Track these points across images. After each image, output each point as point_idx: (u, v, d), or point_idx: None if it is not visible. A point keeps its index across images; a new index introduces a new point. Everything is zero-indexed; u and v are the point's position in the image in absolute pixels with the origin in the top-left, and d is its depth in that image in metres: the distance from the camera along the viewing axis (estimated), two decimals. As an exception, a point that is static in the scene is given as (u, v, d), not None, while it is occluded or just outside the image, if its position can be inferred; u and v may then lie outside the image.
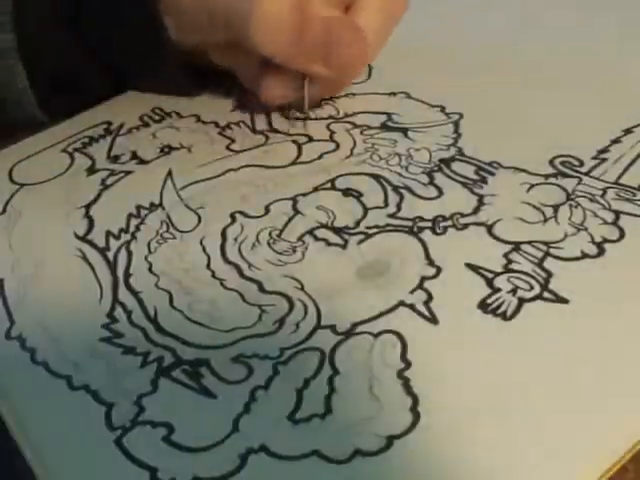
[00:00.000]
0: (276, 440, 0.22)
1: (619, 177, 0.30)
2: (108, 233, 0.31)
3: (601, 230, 0.28)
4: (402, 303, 0.26)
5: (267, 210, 0.31)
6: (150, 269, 0.29)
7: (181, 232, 0.30)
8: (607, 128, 0.33)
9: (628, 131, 0.32)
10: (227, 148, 0.35)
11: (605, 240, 0.28)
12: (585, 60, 0.36)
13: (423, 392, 0.23)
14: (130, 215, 0.31)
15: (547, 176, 0.31)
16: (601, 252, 0.27)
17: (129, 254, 0.29)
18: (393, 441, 0.22)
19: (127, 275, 0.28)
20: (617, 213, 0.29)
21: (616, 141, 0.32)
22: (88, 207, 0.32)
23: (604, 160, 0.31)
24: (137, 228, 0.31)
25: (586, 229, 0.28)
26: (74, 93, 0.36)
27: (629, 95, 0.34)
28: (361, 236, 0.29)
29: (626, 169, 0.31)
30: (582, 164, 0.31)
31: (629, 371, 0.23)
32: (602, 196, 0.29)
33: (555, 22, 0.40)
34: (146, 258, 0.29)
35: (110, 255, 0.29)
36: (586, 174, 0.30)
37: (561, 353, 0.24)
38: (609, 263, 0.27)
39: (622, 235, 0.28)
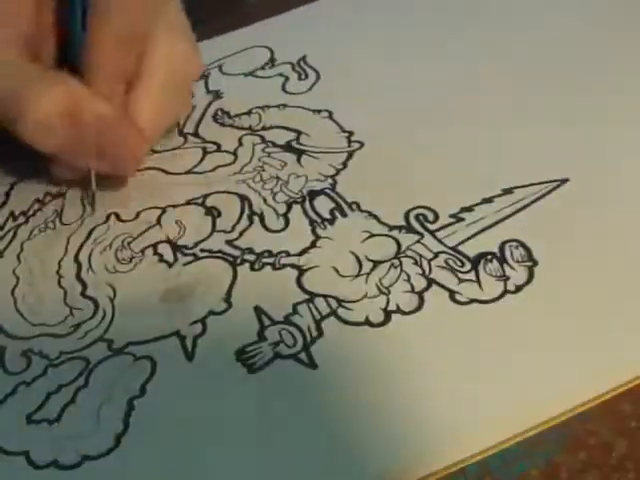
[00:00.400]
0: (7, 434, 0.26)
1: (461, 242, 0.29)
2: (11, 213, 0.35)
3: (401, 298, 0.27)
4: (177, 333, 0.28)
5: (137, 216, 0.33)
6: (19, 254, 0.32)
7: (62, 224, 0.34)
8: (487, 184, 0.30)
9: (507, 191, 0.30)
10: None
11: (398, 310, 0.27)
12: (483, 113, 0.34)
13: (140, 424, 0.25)
14: (36, 200, 0.35)
15: (392, 227, 0.30)
16: (386, 321, 0.27)
17: (14, 236, 0.33)
18: (85, 461, 0.24)
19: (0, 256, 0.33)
20: (430, 282, 0.27)
21: (488, 200, 0.30)
22: (13, 185, 0.36)
23: (460, 220, 0.29)
24: (34, 213, 0.34)
25: (388, 294, 0.27)
26: None
27: (524, 152, 0.31)
28: (191, 258, 0.30)
29: (475, 235, 0.29)
30: (436, 220, 0.30)
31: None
32: (430, 260, 0.28)
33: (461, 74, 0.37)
34: (22, 243, 0.33)
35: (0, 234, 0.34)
36: (431, 232, 0.29)
37: (309, 414, 0.24)
38: (388, 334, 0.26)
39: (419, 307, 0.27)
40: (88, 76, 0.30)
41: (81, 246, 0.32)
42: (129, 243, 0.32)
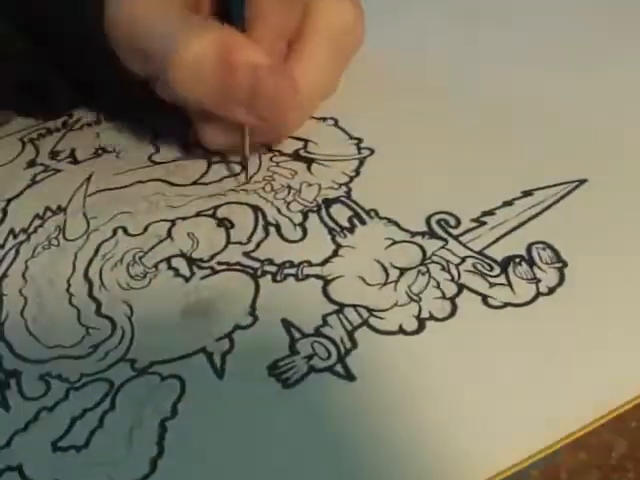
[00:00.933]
0: (33, 462, 0.24)
1: (487, 246, 0.28)
2: (11, 231, 0.33)
3: (433, 305, 0.27)
4: (203, 350, 0.27)
5: (145, 229, 0.32)
6: (24, 273, 0.31)
7: (66, 240, 0.32)
8: (505, 187, 0.30)
9: (527, 193, 0.30)
10: (149, 158, 0.36)
11: (431, 317, 0.26)
12: (497, 113, 0.34)
13: (175, 446, 0.24)
14: (36, 216, 0.34)
15: (414, 234, 0.29)
16: (420, 329, 0.26)
17: (16, 254, 0.32)
18: (124, 487, 0.23)
19: (4, 276, 0.31)
20: (461, 287, 0.27)
21: (508, 203, 0.30)
22: (9, 201, 0.35)
23: (483, 224, 0.29)
24: (35, 230, 0.33)
25: (419, 301, 0.27)
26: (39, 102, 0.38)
27: (539, 154, 0.31)
28: (208, 271, 0.30)
29: (500, 238, 0.29)
30: (458, 225, 0.29)
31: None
32: (457, 265, 0.28)
33: (472, 76, 0.37)
34: (26, 261, 0.32)
35: (1, 253, 0.32)
36: (455, 237, 0.29)
37: (349, 429, 0.24)
38: (424, 342, 0.26)
39: (452, 313, 0.26)
40: (248, 29, 0.29)
41: (90, 262, 0.31)
42: (140, 258, 0.31)
